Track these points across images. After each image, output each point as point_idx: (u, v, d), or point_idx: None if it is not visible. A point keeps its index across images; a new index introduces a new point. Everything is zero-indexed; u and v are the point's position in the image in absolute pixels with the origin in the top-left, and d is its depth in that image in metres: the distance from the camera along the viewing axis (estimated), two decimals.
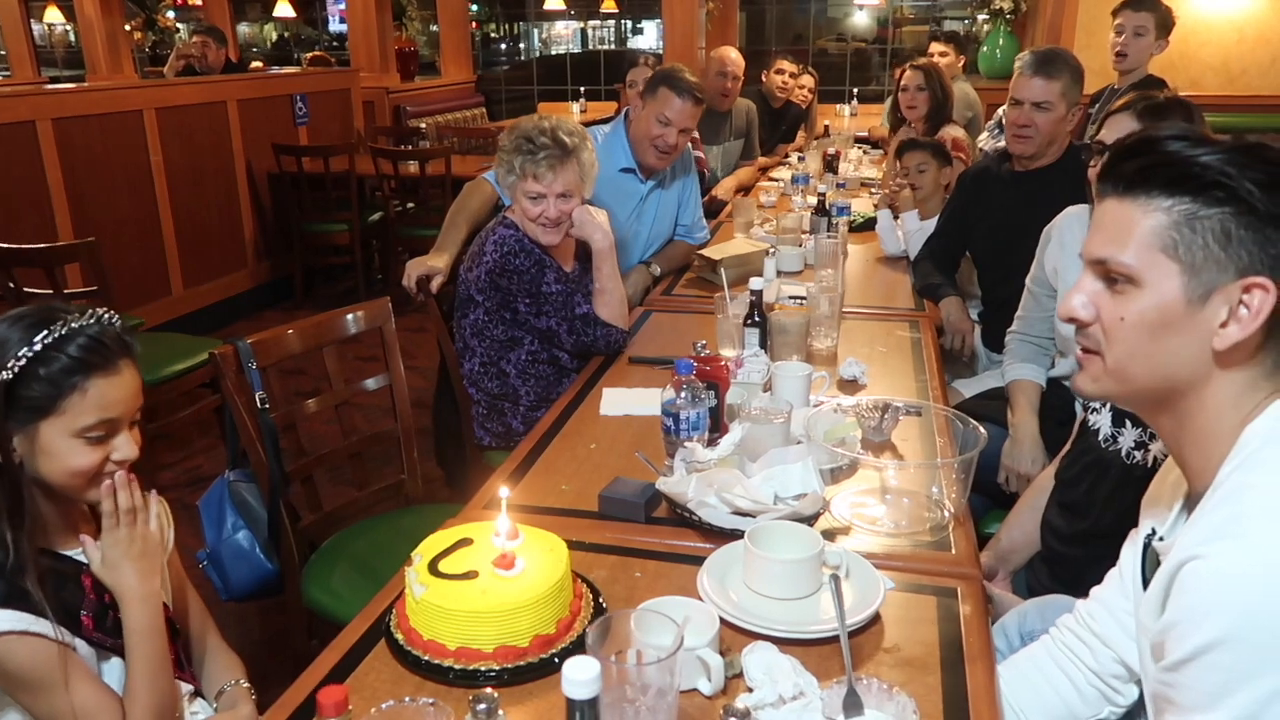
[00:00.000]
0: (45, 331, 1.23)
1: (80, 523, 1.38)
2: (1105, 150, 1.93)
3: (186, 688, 1.43)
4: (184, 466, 3.62)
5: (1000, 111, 4.58)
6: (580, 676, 0.80)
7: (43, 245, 3.26)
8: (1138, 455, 1.57)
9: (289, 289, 5.73)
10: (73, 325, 1.25)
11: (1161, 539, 1.08)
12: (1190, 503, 1.04)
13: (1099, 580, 1.49)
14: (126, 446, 1.31)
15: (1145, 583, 1.08)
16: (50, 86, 4.64)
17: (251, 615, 2.58)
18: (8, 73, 8.91)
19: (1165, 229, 0.95)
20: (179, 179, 4.97)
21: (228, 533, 1.97)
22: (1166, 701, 0.94)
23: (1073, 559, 1.67)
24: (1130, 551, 1.20)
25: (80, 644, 1.29)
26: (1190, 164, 0.94)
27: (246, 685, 1.49)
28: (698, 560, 1.40)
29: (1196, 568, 0.91)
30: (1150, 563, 1.09)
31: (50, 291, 3.06)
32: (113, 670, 1.33)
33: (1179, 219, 0.95)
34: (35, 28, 9.89)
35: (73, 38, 11.84)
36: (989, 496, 2.19)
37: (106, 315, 1.30)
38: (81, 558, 1.34)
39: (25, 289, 3.17)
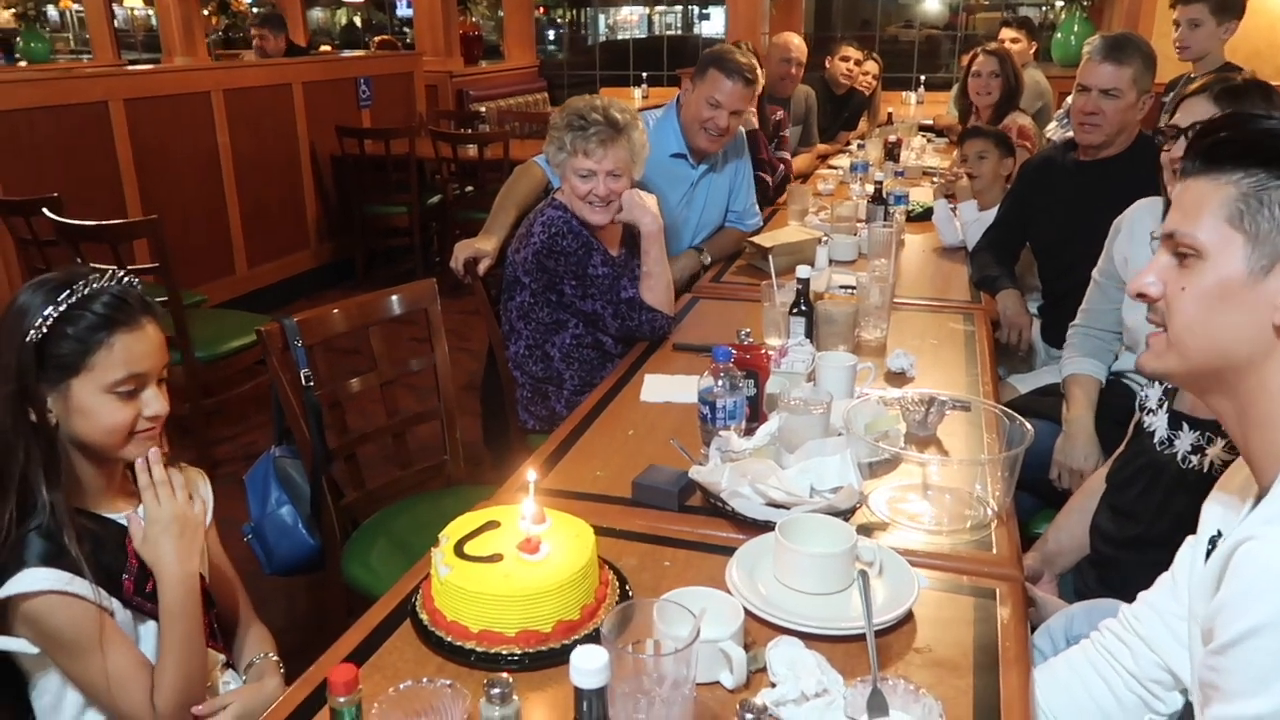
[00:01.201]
0: (69, 291, 1.26)
1: (125, 487, 1.41)
2: (1180, 134, 1.85)
3: (218, 658, 1.46)
4: (240, 441, 3.69)
5: (1069, 100, 4.44)
6: (588, 665, 0.79)
7: (106, 222, 3.35)
8: (1194, 460, 1.50)
9: (350, 270, 5.81)
10: (94, 285, 1.27)
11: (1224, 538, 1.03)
12: (1259, 499, 1.00)
13: (1148, 586, 1.44)
14: (156, 401, 1.33)
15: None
16: (125, 68, 4.76)
17: (294, 590, 2.63)
18: (90, 55, 9.18)
19: (1233, 200, 0.95)
20: (244, 159, 5.06)
21: (271, 507, 2.00)
22: (1211, 688, 0.90)
23: (1122, 564, 1.61)
24: (1187, 555, 1.14)
25: (117, 607, 1.31)
26: (1264, 135, 0.94)
27: (275, 658, 1.51)
28: (728, 551, 1.37)
29: (1251, 549, 0.88)
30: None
31: (101, 267, 3.13)
32: (149, 633, 1.35)
33: (1248, 190, 0.94)
34: (118, 12, 10.18)
35: (153, 21, 12.16)
36: (1039, 495, 2.12)
37: (126, 276, 1.32)
38: (124, 520, 1.37)
39: (92, 265, 3.26)
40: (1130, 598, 1.46)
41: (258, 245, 5.21)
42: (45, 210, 3.16)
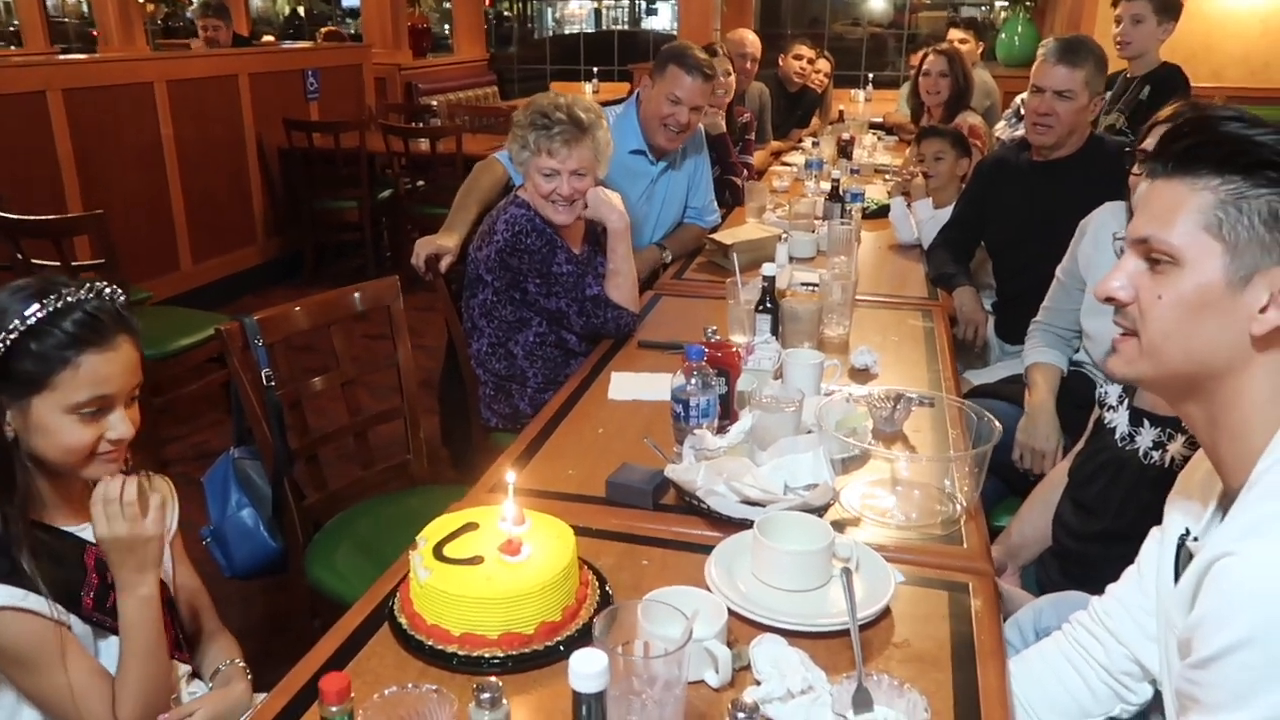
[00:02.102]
0: (38, 305, 1.20)
1: (86, 499, 1.37)
2: (1148, 158, 1.88)
3: (184, 668, 1.42)
4: (191, 441, 3.61)
5: (1018, 100, 4.53)
6: (588, 670, 0.78)
7: (51, 217, 3.24)
8: (1155, 455, 1.54)
9: (298, 266, 5.70)
10: (68, 300, 1.22)
11: (1196, 539, 1.05)
12: (1225, 501, 1.02)
13: (1113, 579, 1.47)
14: (121, 425, 1.28)
15: (1178, 582, 1.05)
16: (61, 57, 4.61)
17: (254, 593, 2.58)
18: (20, 45, 8.87)
19: (1211, 208, 0.94)
20: (189, 153, 4.94)
21: (232, 510, 1.95)
22: (1191, 700, 0.92)
23: (1086, 557, 1.65)
24: (1153, 549, 1.17)
25: (76, 622, 1.27)
26: (1243, 143, 0.93)
27: (242, 664, 1.48)
28: (705, 549, 1.38)
29: (1227, 565, 0.89)
30: (1184, 562, 1.06)
31: (58, 264, 3.04)
32: (110, 648, 1.32)
33: (1226, 198, 0.93)
34: None
35: (86, 8, 11.79)
36: (1002, 478, 2.15)
37: (108, 290, 1.27)
38: (84, 535, 1.33)
39: (33, 260, 3.16)
40: (1094, 590, 1.49)
41: (203, 240, 5.09)
42: None
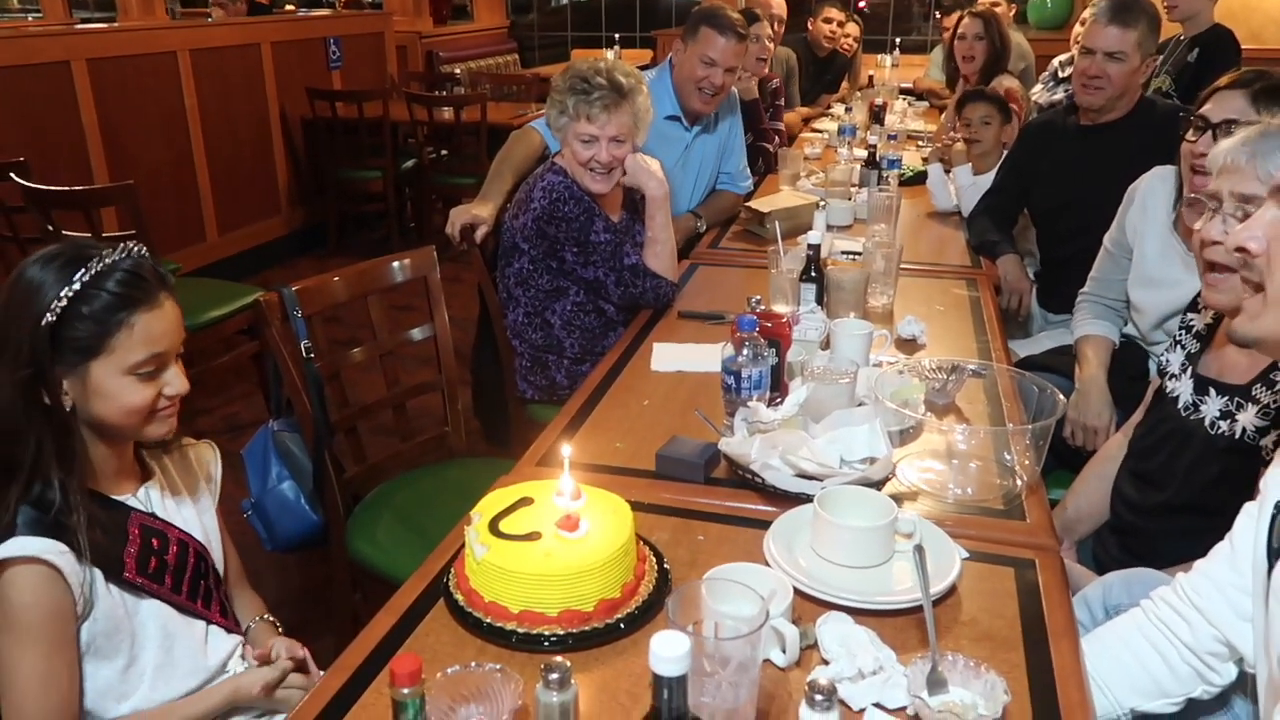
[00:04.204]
0: (82, 269, 1.18)
1: (133, 467, 1.35)
2: (1210, 128, 1.81)
3: (234, 640, 1.41)
4: (221, 413, 3.61)
5: (1055, 63, 4.43)
6: (670, 653, 0.75)
7: (81, 188, 3.23)
8: (1223, 425, 1.49)
9: (322, 236, 5.68)
10: (107, 261, 1.19)
11: None
12: None
13: (1175, 554, 1.43)
14: (177, 380, 1.27)
15: (1273, 553, 1.01)
16: (84, 26, 4.56)
17: (291, 565, 2.57)
18: (39, 13, 8.83)
19: None
20: (213, 122, 4.91)
21: (272, 483, 1.94)
22: None
23: (1147, 531, 1.61)
24: (1248, 525, 1.13)
25: (106, 594, 1.24)
26: None
27: (270, 619, 1.50)
28: (761, 524, 1.35)
29: None
30: (1278, 535, 1.02)
31: (89, 235, 3.02)
32: (150, 612, 1.29)
33: None
34: None
35: None
36: (1051, 452, 2.11)
37: (137, 249, 1.25)
38: (131, 502, 1.31)
39: (64, 232, 3.14)
40: (1155, 564, 1.46)
41: (228, 212, 5.06)
42: (13, 176, 3.03)
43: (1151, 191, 2.11)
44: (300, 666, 1.39)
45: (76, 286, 1.17)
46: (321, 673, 1.30)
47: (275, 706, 1.36)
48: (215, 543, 1.44)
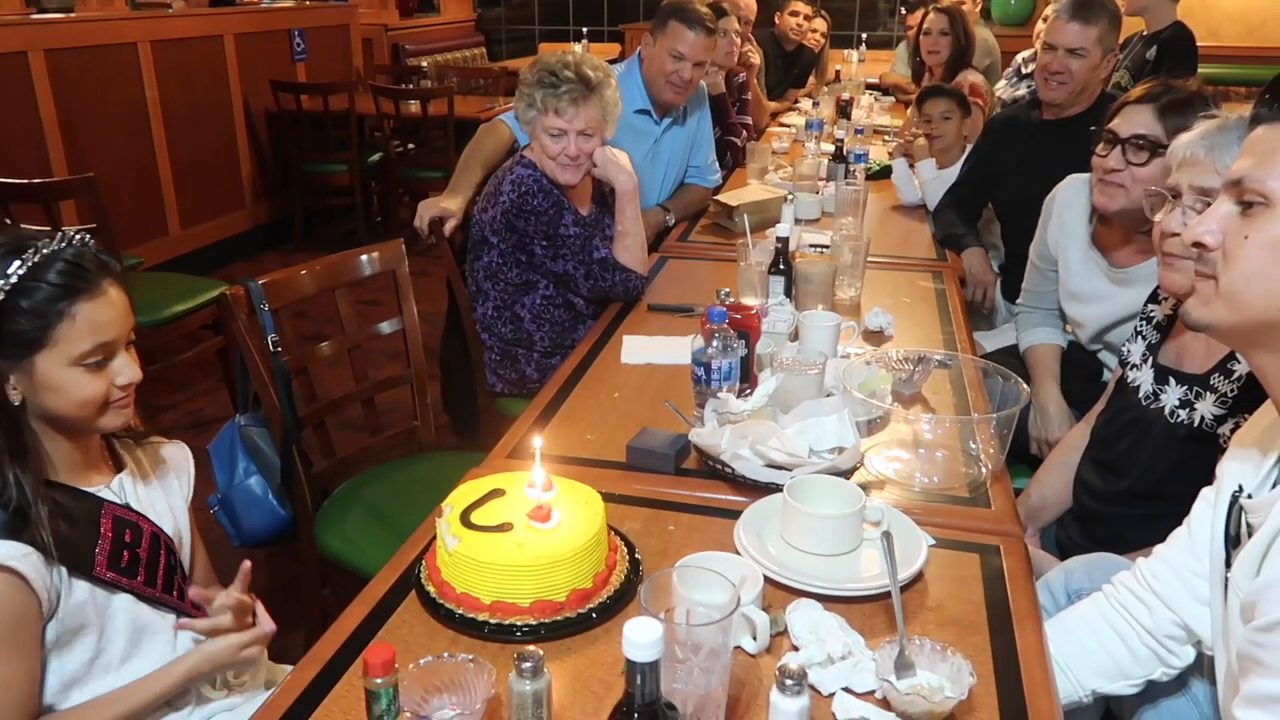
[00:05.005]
0: (18, 261, 1.15)
1: (102, 457, 1.34)
2: (1118, 143, 1.84)
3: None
4: (186, 409, 3.56)
5: (1019, 59, 4.49)
6: (643, 639, 0.76)
7: (41, 180, 3.17)
8: (1182, 414, 1.52)
9: (288, 230, 5.61)
10: (45, 251, 1.17)
11: (1250, 496, 1.03)
12: None
13: (1136, 540, 1.46)
14: (128, 369, 1.25)
15: (1230, 540, 1.03)
16: (41, 16, 4.46)
17: (259, 561, 2.53)
18: None
19: None
20: (175, 115, 4.84)
21: (239, 478, 1.92)
22: (1254, 662, 0.91)
23: (1109, 518, 1.64)
24: (1205, 511, 1.15)
25: (81, 588, 1.23)
26: None
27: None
28: (731, 514, 1.36)
29: None
30: (1236, 520, 1.04)
31: (48, 229, 2.96)
32: (121, 606, 1.28)
33: None
34: None
35: None
36: (1012, 454, 2.15)
37: (78, 236, 1.22)
38: (103, 494, 1.29)
39: (22, 226, 3.08)
40: (1116, 550, 1.49)
41: (191, 205, 4.99)
42: None
43: (1068, 205, 2.13)
44: (240, 609, 1.35)
45: (13, 279, 1.14)
46: (275, 627, 1.34)
47: (239, 665, 1.35)
48: (186, 539, 1.42)
